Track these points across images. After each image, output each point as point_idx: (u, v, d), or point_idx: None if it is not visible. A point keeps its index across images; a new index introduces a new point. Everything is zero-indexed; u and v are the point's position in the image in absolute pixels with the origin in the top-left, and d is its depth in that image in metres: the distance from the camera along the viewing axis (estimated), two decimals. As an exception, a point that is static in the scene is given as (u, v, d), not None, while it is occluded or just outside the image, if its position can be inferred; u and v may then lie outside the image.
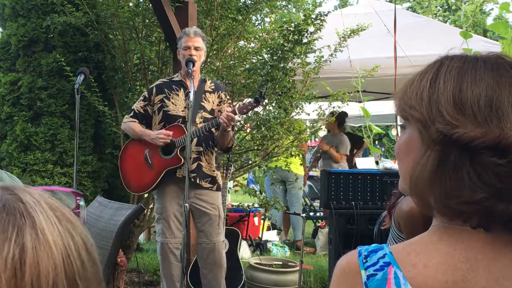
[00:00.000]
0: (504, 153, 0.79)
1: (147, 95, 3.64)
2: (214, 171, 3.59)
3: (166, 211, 3.52)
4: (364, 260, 0.84)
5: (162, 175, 3.48)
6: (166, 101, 3.56)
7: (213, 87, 3.66)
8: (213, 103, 3.61)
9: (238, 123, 4.83)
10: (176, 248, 3.51)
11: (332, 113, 5.45)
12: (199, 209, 3.54)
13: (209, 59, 4.70)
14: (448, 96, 0.84)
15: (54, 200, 0.63)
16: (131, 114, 3.63)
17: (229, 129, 3.39)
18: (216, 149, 3.64)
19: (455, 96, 0.84)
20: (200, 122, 3.50)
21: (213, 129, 3.50)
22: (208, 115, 3.55)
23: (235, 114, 3.36)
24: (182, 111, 3.52)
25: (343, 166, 6.79)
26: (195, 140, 3.48)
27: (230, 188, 7.05)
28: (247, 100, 3.94)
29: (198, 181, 3.49)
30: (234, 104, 4.14)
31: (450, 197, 0.81)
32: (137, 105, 3.65)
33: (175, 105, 3.55)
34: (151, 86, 3.75)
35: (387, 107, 8.34)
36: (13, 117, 4.61)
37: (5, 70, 4.77)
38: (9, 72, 4.73)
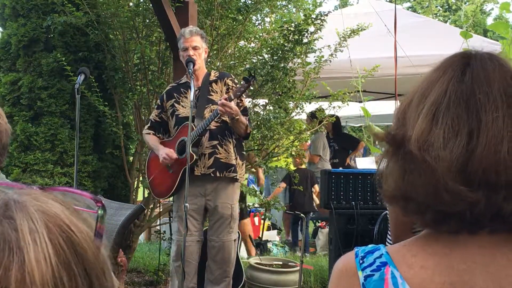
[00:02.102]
0: (398, 149, 0.82)
1: (159, 103, 3.73)
2: (236, 159, 3.58)
3: (182, 209, 3.54)
4: (361, 261, 0.85)
5: (180, 175, 3.50)
6: (176, 105, 3.62)
7: (217, 75, 3.67)
8: (221, 92, 3.60)
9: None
10: (190, 246, 3.53)
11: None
12: (212, 207, 3.55)
13: (209, 59, 4.70)
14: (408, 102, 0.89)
15: (61, 217, 0.57)
16: (149, 124, 3.75)
17: (236, 117, 3.37)
18: (234, 138, 3.60)
19: (409, 102, 0.88)
20: None
21: (226, 119, 3.49)
22: (217, 107, 3.53)
23: (231, 100, 3.34)
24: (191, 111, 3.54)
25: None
26: (207, 135, 3.49)
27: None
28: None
29: (218, 174, 3.51)
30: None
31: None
32: (153, 115, 3.76)
33: (184, 107, 3.58)
34: (162, 93, 3.81)
35: (388, 107, 8.34)
36: (13, 117, 4.60)
37: (5, 70, 4.77)
38: (9, 72, 4.73)
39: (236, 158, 3.59)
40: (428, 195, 0.79)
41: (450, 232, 0.82)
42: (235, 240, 3.67)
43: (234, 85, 3.63)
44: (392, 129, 0.87)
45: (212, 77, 3.64)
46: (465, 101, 0.80)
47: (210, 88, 3.59)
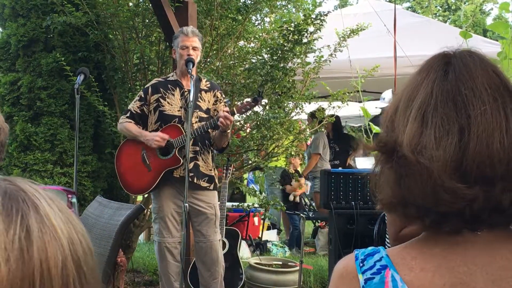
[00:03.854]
0: (390, 155, 0.82)
1: (143, 95, 3.62)
2: (211, 170, 3.59)
3: (163, 211, 3.52)
4: (361, 264, 0.84)
5: (161, 176, 3.48)
6: (162, 100, 3.55)
7: (208, 85, 3.66)
8: (209, 102, 3.61)
9: (238, 123, 4.83)
10: (174, 247, 3.52)
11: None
12: (196, 209, 3.54)
13: (209, 59, 4.70)
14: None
15: (53, 194, 0.62)
16: (127, 114, 3.61)
17: (228, 130, 3.39)
18: (212, 149, 3.63)
19: (396, 106, 0.88)
20: (196, 122, 3.49)
21: (209, 130, 3.50)
22: (203, 115, 3.54)
23: (234, 114, 3.36)
24: (178, 110, 3.52)
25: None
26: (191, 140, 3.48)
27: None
28: (246, 100, 3.94)
29: (195, 181, 3.50)
30: (234, 104, 4.14)
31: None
32: (134, 105, 3.63)
33: (171, 105, 3.54)
34: (147, 85, 3.73)
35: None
36: (13, 117, 4.60)
37: (5, 70, 4.77)
38: (9, 72, 4.73)
39: (212, 169, 3.61)
40: (427, 197, 0.78)
41: (451, 232, 0.82)
42: (219, 239, 3.67)
43: (222, 98, 3.65)
44: (381, 137, 0.87)
45: (204, 86, 3.63)
46: (452, 99, 0.81)
47: (199, 94, 3.59)
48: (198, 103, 3.55)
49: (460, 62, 0.85)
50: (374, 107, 5.42)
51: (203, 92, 3.61)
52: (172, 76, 3.66)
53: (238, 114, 3.44)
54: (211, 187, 3.57)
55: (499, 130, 0.78)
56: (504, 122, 0.79)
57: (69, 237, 0.57)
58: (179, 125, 3.46)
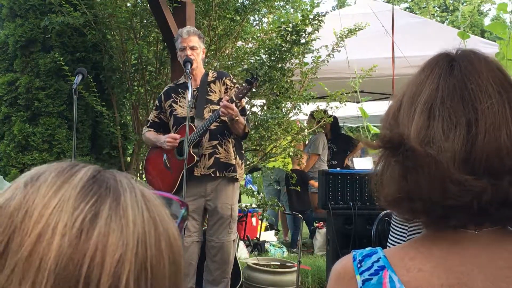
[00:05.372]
0: (397, 149, 0.82)
1: (158, 104, 3.72)
2: (235, 158, 3.58)
3: None
4: (359, 265, 0.84)
5: (180, 176, 3.49)
6: (174, 105, 3.61)
7: (215, 75, 3.66)
8: (220, 91, 3.60)
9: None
10: (190, 247, 3.53)
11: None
12: (212, 207, 3.55)
13: (207, 60, 4.70)
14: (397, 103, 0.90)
15: (154, 196, 0.58)
16: (148, 124, 3.74)
17: (236, 118, 3.36)
18: (233, 137, 3.59)
19: (400, 103, 0.89)
20: None
21: (225, 119, 3.47)
22: (216, 107, 3.50)
23: (233, 101, 3.34)
24: (189, 112, 3.53)
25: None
26: (207, 135, 3.49)
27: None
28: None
29: (218, 174, 3.50)
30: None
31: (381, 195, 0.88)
32: (151, 116, 3.75)
33: (183, 107, 3.57)
34: (160, 94, 3.80)
35: (385, 107, 8.33)
36: (11, 117, 4.60)
37: (2, 70, 4.76)
38: (7, 73, 4.73)
39: (235, 158, 3.58)
40: (434, 190, 0.78)
41: (450, 231, 0.82)
42: (234, 240, 3.67)
43: (232, 85, 3.62)
44: (385, 134, 0.87)
45: (210, 78, 3.64)
46: (458, 94, 0.82)
47: (208, 88, 3.59)
48: (208, 97, 3.56)
49: (465, 59, 0.87)
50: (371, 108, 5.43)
51: (212, 84, 3.61)
52: (181, 79, 3.70)
53: (236, 100, 3.40)
54: (236, 176, 3.57)
55: (505, 124, 0.79)
56: (510, 116, 0.80)
57: (142, 234, 0.53)
58: (191, 124, 3.46)
